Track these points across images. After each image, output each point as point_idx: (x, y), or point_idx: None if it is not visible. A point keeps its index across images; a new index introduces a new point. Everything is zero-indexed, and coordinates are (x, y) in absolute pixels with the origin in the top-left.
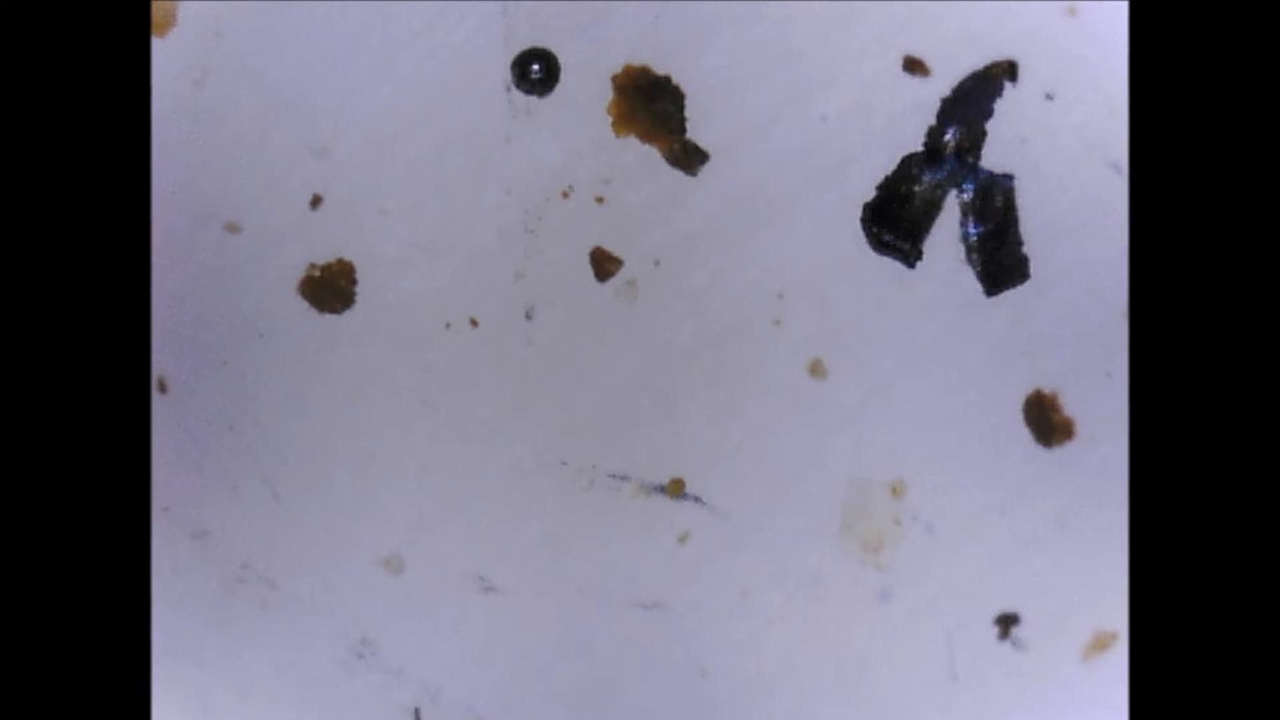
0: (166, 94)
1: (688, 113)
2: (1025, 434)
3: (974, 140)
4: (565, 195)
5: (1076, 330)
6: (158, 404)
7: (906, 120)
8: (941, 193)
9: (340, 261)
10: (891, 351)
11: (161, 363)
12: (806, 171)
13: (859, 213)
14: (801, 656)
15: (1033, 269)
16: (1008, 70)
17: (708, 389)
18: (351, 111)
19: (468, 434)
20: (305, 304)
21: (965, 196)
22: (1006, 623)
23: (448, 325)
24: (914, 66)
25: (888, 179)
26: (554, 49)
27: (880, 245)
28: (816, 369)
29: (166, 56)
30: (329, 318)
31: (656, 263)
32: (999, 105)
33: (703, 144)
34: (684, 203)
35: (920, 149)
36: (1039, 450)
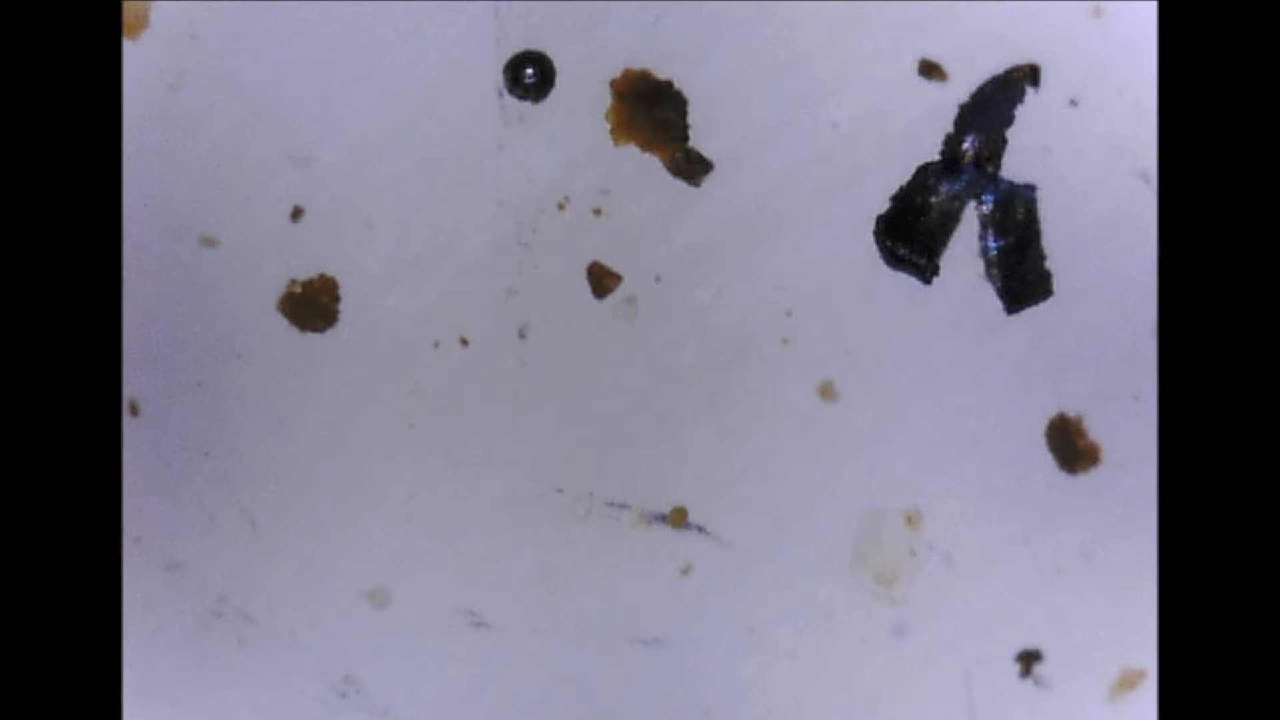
0: (139, 100)
1: (690, 120)
2: (1048, 460)
3: (994, 149)
4: (561, 207)
5: (1102, 350)
6: (129, 428)
7: (922, 128)
8: (959, 204)
9: (322, 277)
10: (906, 372)
11: (133, 384)
12: (816, 182)
13: (872, 225)
14: (811, 695)
15: (1056, 285)
16: (1030, 74)
17: (712, 412)
18: (334, 118)
19: (457, 460)
20: (285, 322)
21: (984, 208)
22: (1028, 660)
23: (436, 344)
24: (930, 70)
25: (902, 190)
26: (549, 52)
27: (895, 260)
28: (827, 391)
29: (138, 60)
30: (310, 337)
31: (657, 278)
32: (1020, 111)
33: (706, 153)
34: (686, 215)
35: (937, 158)
36: (1063, 477)
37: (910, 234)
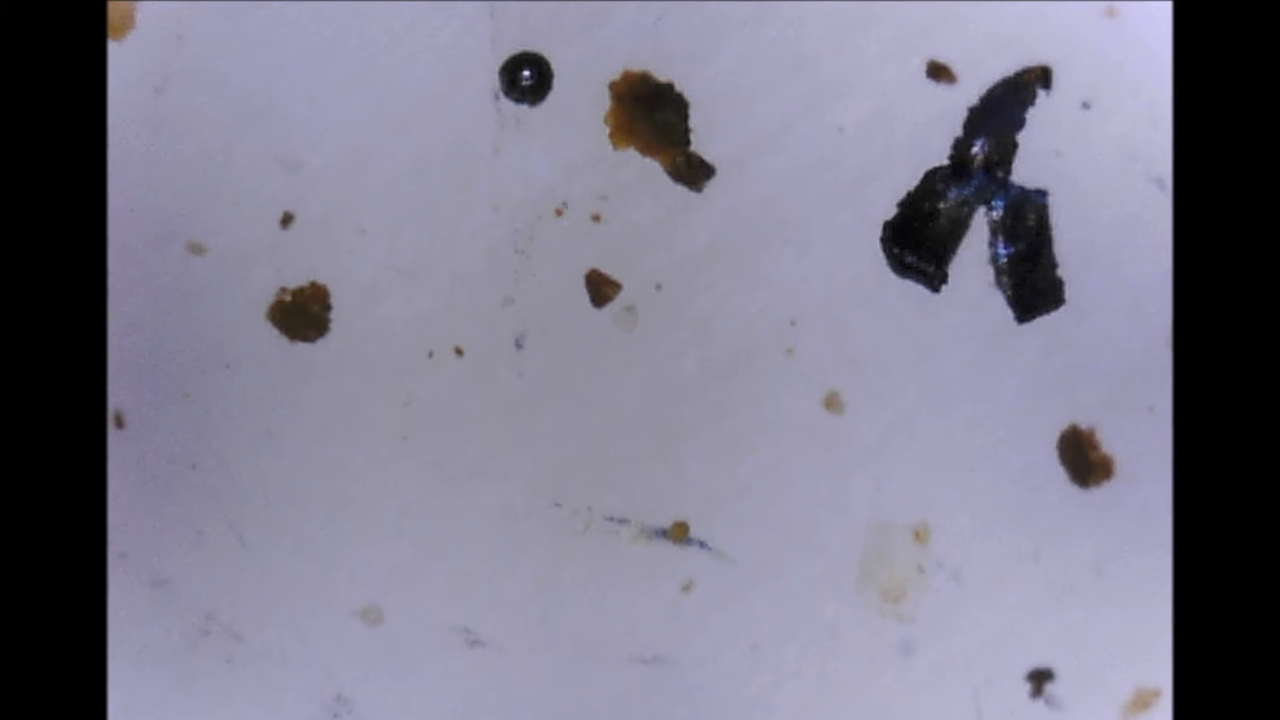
0: (124, 102)
1: (692, 123)
2: (1060, 473)
3: (1004, 153)
4: (559, 213)
5: (1116, 360)
6: (114, 440)
7: (931, 131)
8: (969, 210)
9: (313, 285)
10: (914, 383)
11: (118, 395)
12: (821, 187)
13: (879, 232)
14: (816, 715)
15: (1068, 293)
16: (1041, 76)
17: (714, 424)
18: (325, 122)
19: (452, 473)
20: (275, 331)
21: (994, 214)
22: (1039, 679)
23: (430, 354)
24: (939, 73)
25: (910, 195)
26: (546, 53)
27: (902, 267)
28: (832, 403)
29: (124, 61)
30: (301, 346)
31: (658, 286)
32: (1031, 115)
33: (708, 157)
34: (688, 221)
35: (946, 163)
36: (1075, 491)
37: (918, 241)
